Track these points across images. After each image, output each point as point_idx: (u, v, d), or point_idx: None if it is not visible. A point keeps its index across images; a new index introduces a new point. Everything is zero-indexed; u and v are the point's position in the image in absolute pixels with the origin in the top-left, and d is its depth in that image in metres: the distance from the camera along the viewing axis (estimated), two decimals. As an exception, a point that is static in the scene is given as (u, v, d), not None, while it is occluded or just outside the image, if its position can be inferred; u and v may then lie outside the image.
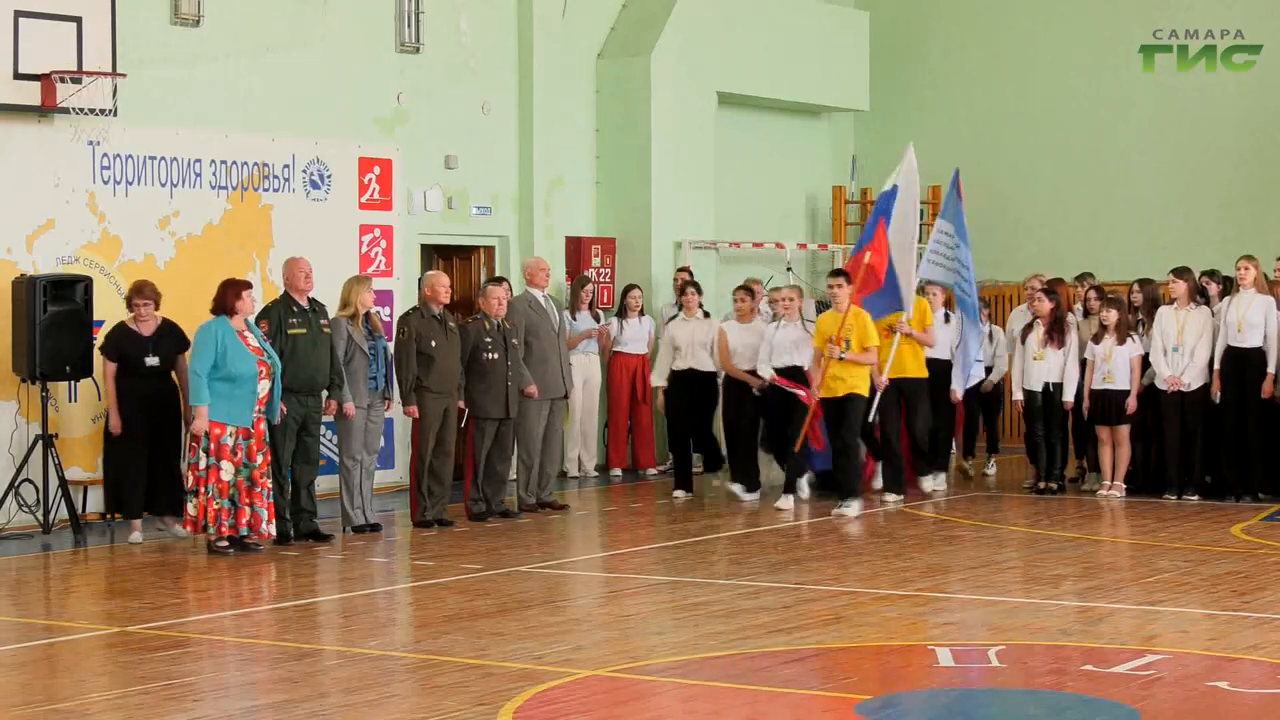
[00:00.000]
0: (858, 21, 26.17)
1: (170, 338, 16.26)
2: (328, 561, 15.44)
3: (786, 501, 18.22)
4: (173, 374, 16.26)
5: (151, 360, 16.06)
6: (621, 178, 23.00)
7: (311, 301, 16.29)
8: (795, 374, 18.29)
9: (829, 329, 17.77)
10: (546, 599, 13.50)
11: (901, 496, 18.87)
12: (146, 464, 16.17)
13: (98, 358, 16.33)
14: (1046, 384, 19.22)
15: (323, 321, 16.16)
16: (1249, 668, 10.67)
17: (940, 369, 19.62)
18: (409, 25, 20.77)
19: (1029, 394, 19.40)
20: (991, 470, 21.86)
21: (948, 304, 19.87)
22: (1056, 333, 19.20)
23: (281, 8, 19.39)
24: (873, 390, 18.16)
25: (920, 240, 19.67)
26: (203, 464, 15.03)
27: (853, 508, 17.69)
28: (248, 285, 15.71)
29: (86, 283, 16.58)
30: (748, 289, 19.48)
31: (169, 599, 13.66)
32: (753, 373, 18.61)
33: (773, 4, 24.90)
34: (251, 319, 15.57)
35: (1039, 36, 25.97)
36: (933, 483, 19.76)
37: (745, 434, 19.17)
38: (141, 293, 16.11)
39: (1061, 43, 25.82)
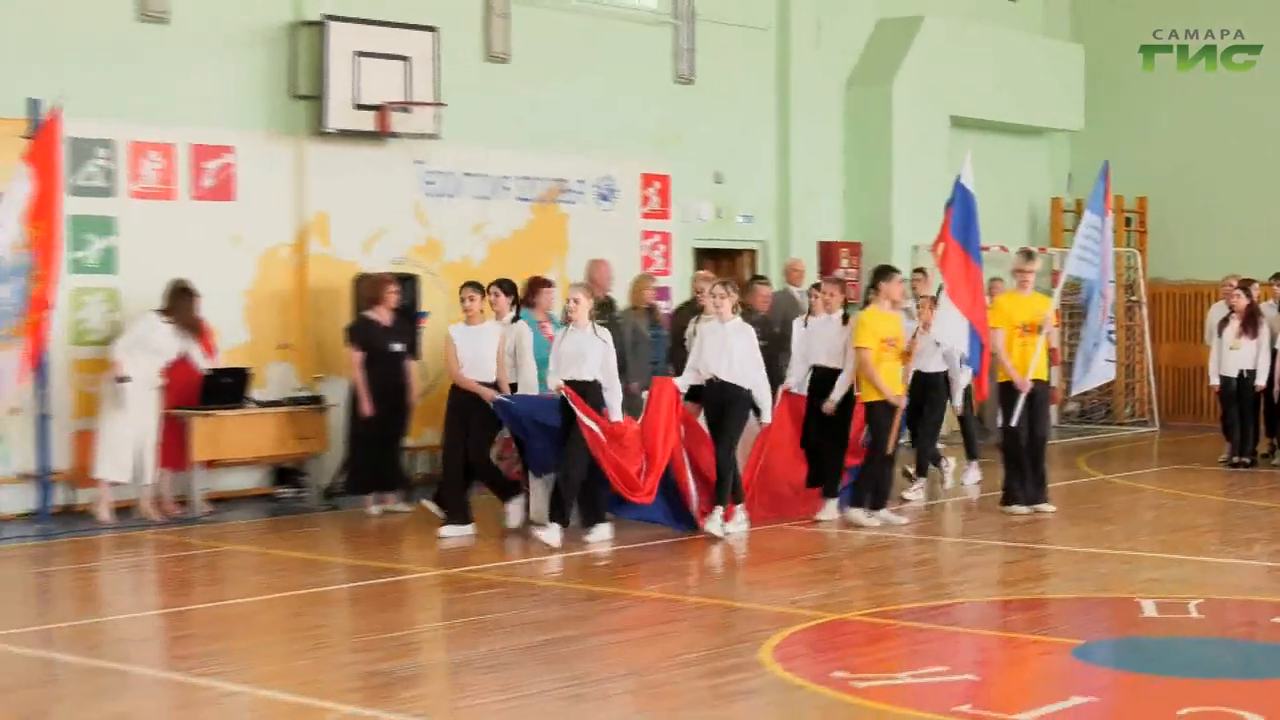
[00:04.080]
0: (1073, 53, 25.79)
1: (408, 326, 16.00)
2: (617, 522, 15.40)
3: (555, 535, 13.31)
4: (406, 360, 15.62)
5: (396, 346, 15.53)
6: (866, 189, 22.90)
7: (606, 296, 16.44)
8: (586, 390, 13.35)
9: (888, 330, 14.36)
10: (801, 553, 13.50)
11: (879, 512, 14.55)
12: (382, 444, 15.49)
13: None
14: (1241, 370, 18.80)
15: (615, 314, 16.28)
16: None
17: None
18: (683, 60, 20.93)
19: (1224, 379, 19.00)
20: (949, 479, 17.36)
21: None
22: (1250, 325, 18.79)
23: (578, 45, 19.66)
24: (1014, 392, 14.91)
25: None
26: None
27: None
28: (549, 283, 15.86)
29: (414, 280, 16.88)
30: (476, 285, 14.56)
31: (478, 549, 13.82)
32: (492, 385, 14.04)
33: (999, 37, 24.69)
34: (554, 312, 15.66)
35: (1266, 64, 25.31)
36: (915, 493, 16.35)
37: (458, 455, 14.26)
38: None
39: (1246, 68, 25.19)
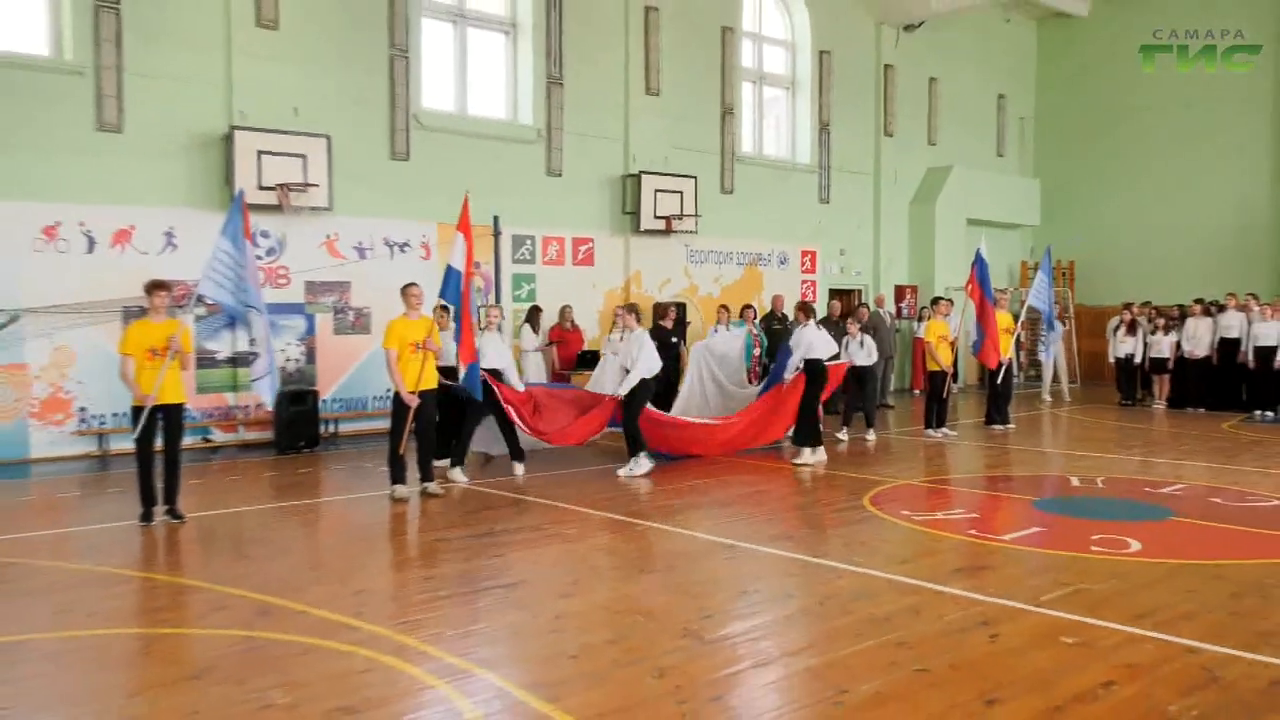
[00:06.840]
0: (1033, 186, 24.63)
1: (681, 330, 15.42)
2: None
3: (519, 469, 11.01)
4: (680, 348, 14.26)
5: (674, 340, 14.70)
6: (920, 258, 22.10)
7: (782, 314, 16.15)
8: (499, 374, 10.75)
9: (943, 330, 13.90)
10: (887, 451, 13.10)
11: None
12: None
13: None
14: (1127, 354, 17.95)
15: (789, 324, 15.89)
16: (1233, 492, 9.71)
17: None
18: (824, 191, 20.48)
19: (1117, 359, 18.14)
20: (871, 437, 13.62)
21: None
22: (1131, 329, 17.93)
23: (769, 185, 19.29)
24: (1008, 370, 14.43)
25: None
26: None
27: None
28: (751, 307, 15.54)
29: (684, 306, 16.79)
30: (445, 308, 10.77)
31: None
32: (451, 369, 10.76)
33: (993, 176, 23.66)
34: (756, 321, 15.40)
35: (1136, 187, 23.81)
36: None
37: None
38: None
39: (1149, 184, 23.64)
